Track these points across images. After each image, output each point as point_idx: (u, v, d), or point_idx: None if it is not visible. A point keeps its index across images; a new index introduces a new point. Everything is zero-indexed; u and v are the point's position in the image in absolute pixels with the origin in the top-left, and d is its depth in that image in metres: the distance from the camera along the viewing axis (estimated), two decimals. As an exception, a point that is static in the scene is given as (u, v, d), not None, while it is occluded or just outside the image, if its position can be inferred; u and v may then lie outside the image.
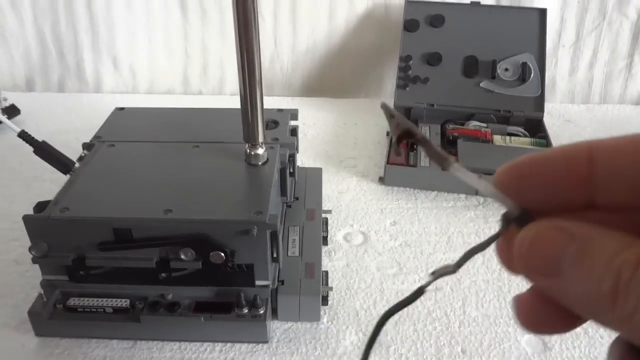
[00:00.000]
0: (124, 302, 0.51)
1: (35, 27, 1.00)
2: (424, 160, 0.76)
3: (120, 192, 0.51)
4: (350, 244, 0.65)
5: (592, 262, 0.18)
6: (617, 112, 1.01)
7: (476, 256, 0.64)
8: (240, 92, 0.52)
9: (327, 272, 0.58)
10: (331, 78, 1.05)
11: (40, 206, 0.49)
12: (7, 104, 0.89)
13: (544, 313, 0.20)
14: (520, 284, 0.58)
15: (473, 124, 0.85)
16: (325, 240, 0.63)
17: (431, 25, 0.92)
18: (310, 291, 0.53)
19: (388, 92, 1.04)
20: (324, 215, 0.64)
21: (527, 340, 0.53)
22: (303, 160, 0.82)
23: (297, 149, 0.63)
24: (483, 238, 0.70)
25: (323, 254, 0.59)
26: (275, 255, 0.51)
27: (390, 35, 0.99)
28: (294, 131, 0.65)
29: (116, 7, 0.98)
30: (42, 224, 0.47)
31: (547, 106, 0.89)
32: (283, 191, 0.59)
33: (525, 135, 0.83)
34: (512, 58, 0.89)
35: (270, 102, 0.77)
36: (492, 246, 0.22)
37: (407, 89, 0.90)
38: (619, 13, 0.97)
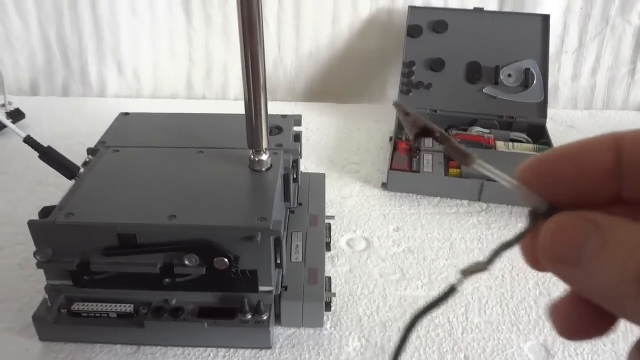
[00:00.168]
0: (128, 307, 0.51)
1: (40, 31, 1.00)
2: (426, 165, 0.76)
3: (124, 198, 0.52)
4: (353, 250, 0.65)
5: (617, 249, 0.17)
6: (620, 118, 1.02)
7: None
8: (244, 98, 0.52)
9: (330, 278, 0.58)
10: (334, 83, 1.05)
11: (45, 211, 0.49)
12: (11, 107, 0.90)
13: (579, 318, 0.20)
14: (524, 291, 0.59)
15: (476, 130, 0.85)
16: (328, 246, 0.63)
17: (434, 31, 0.92)
18: (314, 297, 0.53)
19: (391, 98, 1.04)
20: (327, 220, 0.65)
21: (530, 347, 0.53)
22: (306, 165, 0.82)
23: (300, 155, 0.63)
24: (485, 244, 0.70)
25: (326, 260, 0.60)
26: (278, 261, 0.51)
27: (394, 40, 0.99)
28: (297, 137, 0.65)
29: (121, 11, 0.98)
30: (47, 229, 0.48)
31: (550, 112, 0.90)
32: (286, 197, 0.59)
33: (528, 141, 0.84)
34: (515, 64, 0.90)
35: (273, 106, 0.78)
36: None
37: (410, 94, 0.91)
38: (621, 19, 0.98)
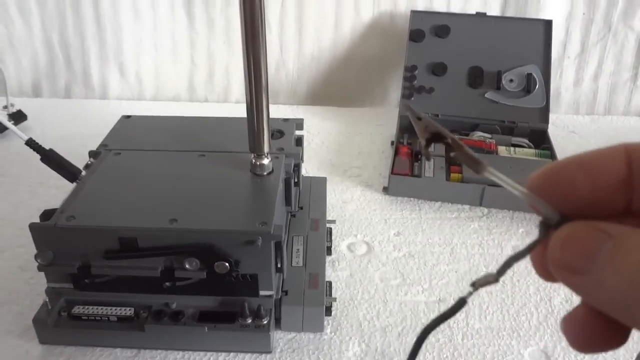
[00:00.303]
0: (129, 311, 0.51)
1: (43, 34, 1.00)
2: (428, 170, 0.76)
3: (126, 201, 0.52)
4: (354, 254, 0.65)
5: (628, 258, 0.17)
6: (622, 123, 1.02)
7: (479, 268, 0.64)
8: (246, 102, 0.52)
9: (330, 283, 0.58)
10: (336, 86, 1.05)
11: (47, 214, 0.49)
12: (14, 109, 0.90)
13: (592, 330, 0.20)
14: (524, 297, 0.58)
15: (477, 135, 0.85)
16: (329, 250, 0.63)
17: (436, 36, 0.92)
18: (314, 302, 0.53)
19: (393, 102, 1.04)
20: (328, 225, 0.65)
21: (530, 353, 0.53)
22: (307, 169, 0.82)
23: (302, 159, 0.63)
24: (487, 250, 0.70)
25: (327, 264, 0.60)
26: (279, 266, 0.51)
27: (396, 44, 0.99)
28: (299, 141, 0.65)
29: (123, 14, 0.99)
30: (48, 232, 0.48)
31: (552, 117, 0.89)
32: (287, 201, 0.59)
33: (529, 147, 0.84)
34: (517, 69, 0.90)
35: (275, 109, 0.78)
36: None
37: (412, 98, 0.91)
38: (624, 25, 0.98)
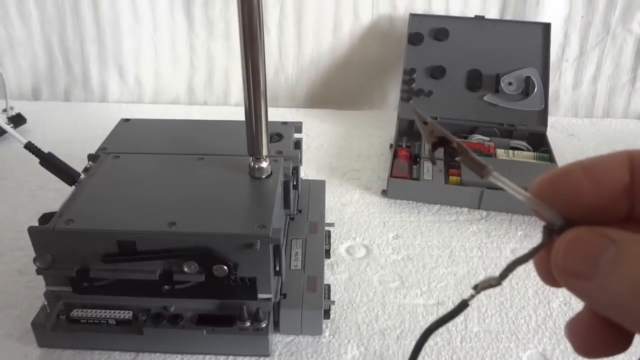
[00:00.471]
0: (127, 314, 0.51)
1: (43, 37, 1.01)
2: (426, 173, 0.76)
3: (124, 205, 0.52)
4: (353, 257, 0.65)
5: (632, 262, 0.17)
6: (621, 126, 1.02)
7: (478, 271, 0.65)
8: (245, 106, 0.52)
9: (329, 286, 0.58)
10: (335, 89, 1.06)
11: (45, 218, 0.49)
12: (13, 112, 0.90)
13: (596, 335, 0.20)
14: (523, 299, 0.59)
15: (476, 138, 0.86)
16: (327, 253, 0.63)
17: (435, 39, 0.92)
18: (313, 305, 0.53)
19: (392, 105, 1.04)
20: (326, 228, 0.65)
21: (529, 356, 0.53)
22: (306, 171, 0.82)
23: (300, 162, 0.63)
24: (485, 252, 0.70)
25: (325, 267, 0.60)
26: (277, 269, 0.51)
27: (395, 47, 0.99)
28: (297, 144, 0.65)
29: (123, 17, 0.99)
30: (47, 235, 0.48)
31: (551, 120, 0.90)
32: (286, 204, 0.59)
33: (528, 149, 0.84)
34: (515, 72, 0.90)
35: (274, 112, 0.78)
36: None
37: (411, 101, 0.91)
38: (622, 28, 0.98)
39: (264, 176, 0.55)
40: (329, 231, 0.65)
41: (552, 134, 0.89)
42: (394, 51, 1.00)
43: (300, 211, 0.65)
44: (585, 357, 0.21)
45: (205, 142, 0.62)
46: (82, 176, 0.56)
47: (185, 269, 0.48)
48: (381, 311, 0.58)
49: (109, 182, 0.55)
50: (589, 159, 0.21)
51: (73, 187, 0.55)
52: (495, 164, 0.76)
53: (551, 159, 0.80)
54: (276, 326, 0.53)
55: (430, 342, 0.54)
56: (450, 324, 0.56)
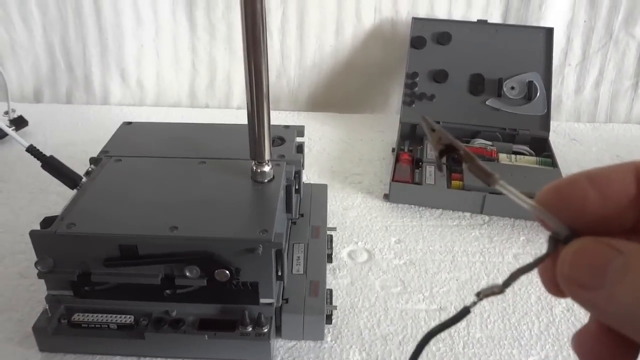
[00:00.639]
0: (128, 319, 0.51)
1: (45, 39, 1.01)
2: (429, 177, 0.76)
3: (126, 209, 0.51)
4: (355, 262, 0.65)
5: (639, 274, 0.17)
6: (623, 131, 1.01)
7: (480, 276, 0.64)
8: (247, 110, 0.52)
9: (331, 291, 0.58)
10: (337, 93, 1.06)
11: (47, 221, 0.49)
12: (15, 115, 0.90)
13: (602, 347, 0.20)
14: (525, 306, 0.58)
15: (478, 142, 0.85)
16: (329, 258, 0.63)
17: (438, 43, 0.92)
18: (315, 310, 0.53)
19: (394, 108, 1.04)
20: (328, 232, 0.64)
21: (532, 362, 0.53)
22: (308, 175, 0.82)
23: (302, 166, 0.63)
24: (487, 257, 0.70)
25: (327, 272, 0.59)
26: (280, 273, 0.51)
27: (397, 51, 0.99)
28: (300, 148, 0.65)
29: (125, 20, 0.99)
30: (49, 239, 0.48)
31: (553, 124, 0.89)
32: (288, 208, 0.59)
33: (530, 154, 0.83)
34: (518, 76, 0.90)
35: (276, 116, 0.78)
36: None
37: (413, 105, 0.91)
38: (625, 33, 0.98)
39: (266, 180, 0.55)
40: (331, 235, 0.65)
41: (554, 138, 0.89)
42: (397, 55, 1.00)
43: (302, 215, 0.65)
44: None
45: (207, 145, 0.62)
46: (84, 179, 0.56)
47: (187, 274, 0.48)
48: (383, 316, 0.57)
49: (111, 186, 0.55)
50: (595, 169, 0.20)
51: (75, 190, 0.55)
52: (497, 169, 0.77)
53: (553, 163, 0.80)
54: (278, 331, 0.53)
55: (432, 347, 0.54)
56: (452, 330, 0.55)
